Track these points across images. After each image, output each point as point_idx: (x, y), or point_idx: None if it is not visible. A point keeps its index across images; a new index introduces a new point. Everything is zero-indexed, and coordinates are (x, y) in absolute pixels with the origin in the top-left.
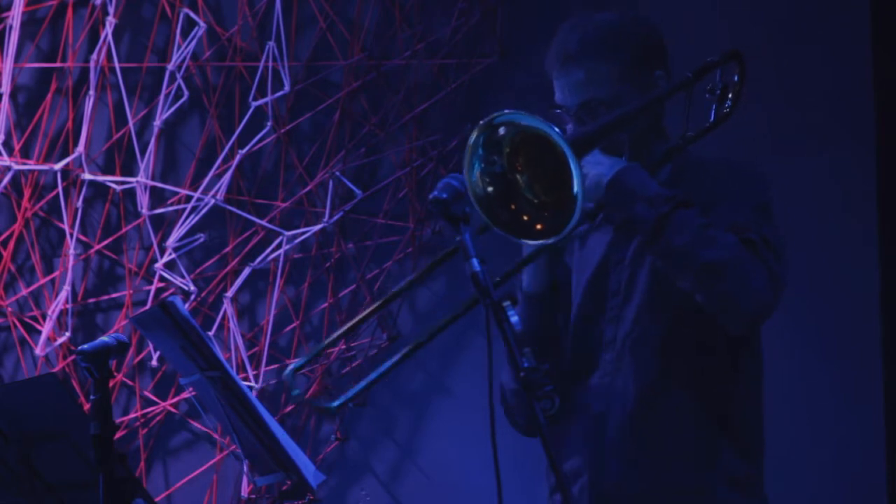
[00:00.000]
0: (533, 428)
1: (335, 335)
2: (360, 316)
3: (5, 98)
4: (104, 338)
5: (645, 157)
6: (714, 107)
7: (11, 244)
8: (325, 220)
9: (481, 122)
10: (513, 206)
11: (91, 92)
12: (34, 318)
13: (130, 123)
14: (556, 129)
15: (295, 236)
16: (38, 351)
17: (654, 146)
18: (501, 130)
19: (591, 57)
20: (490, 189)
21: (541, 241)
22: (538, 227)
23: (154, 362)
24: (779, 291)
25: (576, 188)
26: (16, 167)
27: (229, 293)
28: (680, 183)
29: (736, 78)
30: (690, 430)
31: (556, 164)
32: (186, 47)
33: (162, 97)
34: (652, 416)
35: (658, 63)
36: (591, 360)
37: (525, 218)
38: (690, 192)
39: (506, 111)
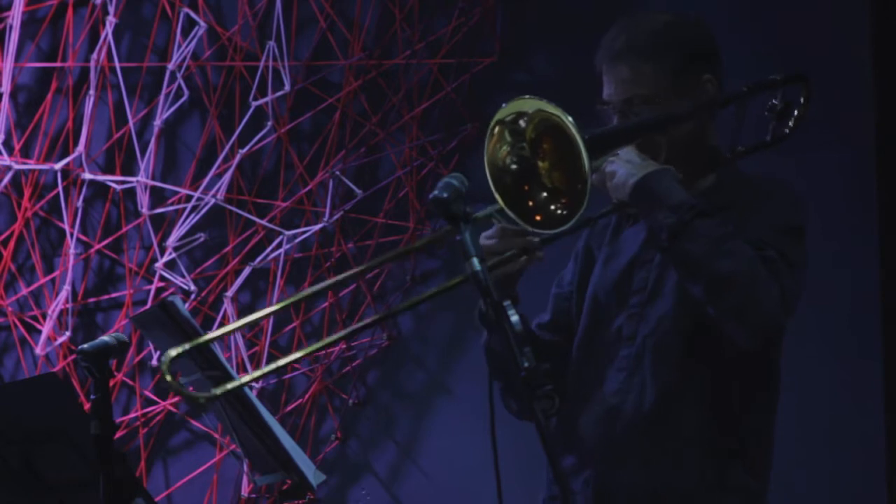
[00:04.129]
0: (525, 413)
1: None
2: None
3: (5, 98)
4: (104, 337)
5: (686, 161)
6: (772, 125)
7: (11, 244)
8: (325, 219)
9: (497, 116)
10: (526, 188)
11: (91, 91)
12: (34, 318)
13: (130, 123)
14: (571, 119)
15: (295, 236)
16: (38, 350)
17: (696, 151)
18: (521, 122)
19: (636, 56)
20: (514, 167)
21: (535, 230)
22: (537, 217)
23: (154, 362)
24: (790, 310)
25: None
26: (16, 167)
27: (229, 293)
28: (721, 192)
29: (802, 100)
30: (703, 438)
31: (573, 156)
32: (186, 47)
33: (162, 97)
34: (667, 420)
35: (706, 67)
36: (605, 352)
37: (530, 203)
38: (728, 203)
39: (520, 98)
